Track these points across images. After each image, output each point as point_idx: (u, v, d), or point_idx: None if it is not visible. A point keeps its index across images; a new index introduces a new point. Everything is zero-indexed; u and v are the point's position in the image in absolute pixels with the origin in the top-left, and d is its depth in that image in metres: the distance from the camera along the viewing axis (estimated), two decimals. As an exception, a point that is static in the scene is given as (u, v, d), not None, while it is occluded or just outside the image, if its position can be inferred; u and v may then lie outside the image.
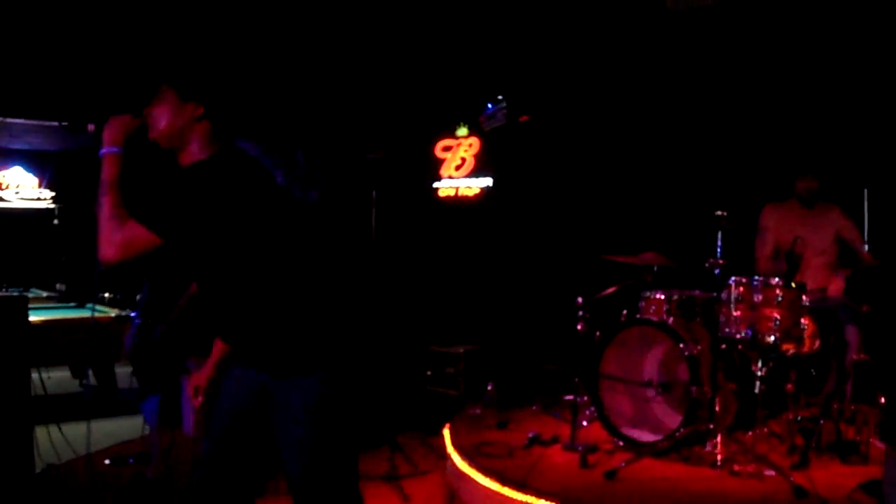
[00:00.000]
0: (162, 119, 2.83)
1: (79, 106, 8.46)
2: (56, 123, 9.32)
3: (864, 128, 6.42)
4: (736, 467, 4.69)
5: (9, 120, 8.91)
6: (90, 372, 8.09)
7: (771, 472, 4.56)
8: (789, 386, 5.19)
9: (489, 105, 7.97)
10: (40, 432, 5.53)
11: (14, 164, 12.32)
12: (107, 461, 5.99)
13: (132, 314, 5.18)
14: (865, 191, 6.09)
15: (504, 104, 7.80)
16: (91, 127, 2.97)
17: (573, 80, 7.72)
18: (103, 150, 2.84)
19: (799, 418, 5.17)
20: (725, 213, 5.04)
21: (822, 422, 5.10)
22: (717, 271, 4.99)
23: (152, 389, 5.11)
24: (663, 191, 7.21)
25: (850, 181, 6.21)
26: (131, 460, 5.80)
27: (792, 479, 4.36)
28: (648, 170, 7.37)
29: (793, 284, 5.04)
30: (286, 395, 2.84)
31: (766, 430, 5.19)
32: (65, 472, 5.65)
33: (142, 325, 4.97)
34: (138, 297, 5.17)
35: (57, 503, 5.15)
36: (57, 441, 5.68)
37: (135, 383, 5.30)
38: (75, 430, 6.17)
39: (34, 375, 5.35)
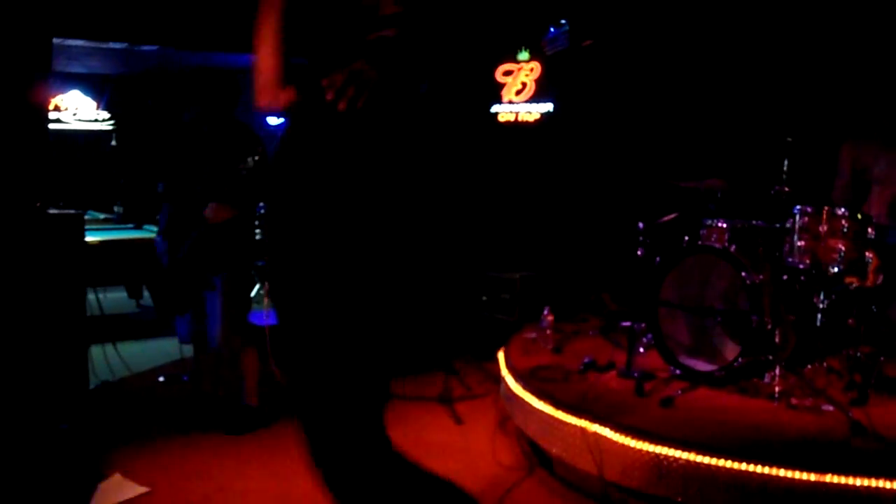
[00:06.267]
0: None
1: (139, 27, 8.44)
2: (115, 45, 9.33)
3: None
4: (794, 400, 4.58)
5: (67, 42, 8.89)
6: (146, 292, 8.21)
7: (829, 407, 4.43)
8: (851, 321, 5.03)
9: (551, 29, 7.77)
10: (96, 351, 5.63)
11: (72, 88, 12.38)
12: (161, 378, 6.08)
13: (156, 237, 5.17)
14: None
15: (567, 28, 7.58)
16: None
17: (638, 2, 7.50)
18: None
19: (859, 354, 5.01)
20: (792, 140, 4.88)
21: (882, 359, 4.95)
22: (782, 199, 4.86)
23: (180, 308, 5.16)
24: (729, 115, 7.00)
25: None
26: (185, 378, 5.87)
27: (851, 414, 4.24)
28: (714, 94, 7.16)
29: (859, 216, 4.86)
30: None
31: (825, 364, 5.05)
32: (118, 388, 5.77)
33: (166, 246, 5.00)
34: (159, 217, 5.18)
35: (110, 418, 5.25)
36: (112, 359, 5.79)
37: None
38: (130, 349, 6.30)
39: (90, 296, 5.43)
